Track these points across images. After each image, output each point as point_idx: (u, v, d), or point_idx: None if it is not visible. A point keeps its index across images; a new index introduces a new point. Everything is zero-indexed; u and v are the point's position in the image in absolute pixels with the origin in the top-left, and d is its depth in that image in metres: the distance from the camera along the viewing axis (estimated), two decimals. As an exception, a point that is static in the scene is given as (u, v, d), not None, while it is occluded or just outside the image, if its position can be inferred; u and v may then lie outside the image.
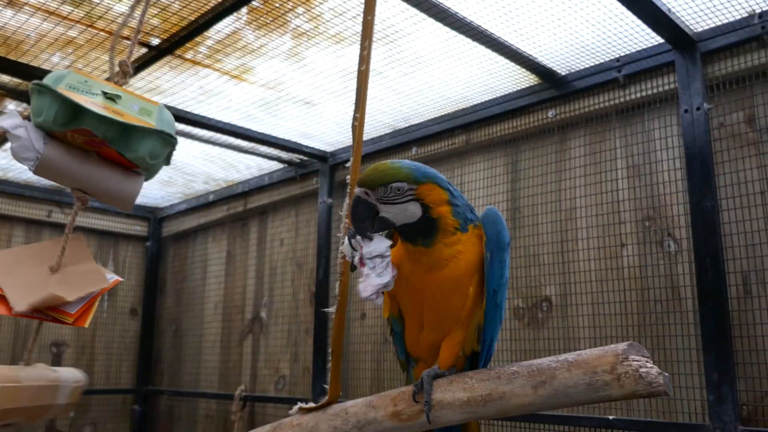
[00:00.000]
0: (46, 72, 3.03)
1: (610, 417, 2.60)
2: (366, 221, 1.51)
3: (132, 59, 3.01)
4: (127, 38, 2.81)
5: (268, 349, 4.46)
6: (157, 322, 5.40)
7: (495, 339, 1.60)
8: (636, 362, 1.25)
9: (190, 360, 5.07)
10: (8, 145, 3.89)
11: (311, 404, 1.56)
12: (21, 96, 3.31)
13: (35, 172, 1.88)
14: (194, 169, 4.55)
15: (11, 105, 3.46)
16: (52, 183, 4.76)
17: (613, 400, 1.29)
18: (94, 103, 1.82)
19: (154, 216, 5.47)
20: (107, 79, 2.06)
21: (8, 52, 2.89)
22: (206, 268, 5.12)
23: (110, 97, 1.87)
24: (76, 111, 1.82)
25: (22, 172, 4.54)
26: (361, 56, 1.66)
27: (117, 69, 2.11)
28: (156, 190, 5.03)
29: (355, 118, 1.65)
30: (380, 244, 1.48)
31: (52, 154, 1.82)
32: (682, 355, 2.56)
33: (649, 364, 1.25)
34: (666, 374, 1.25)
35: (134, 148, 1.90)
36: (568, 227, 3.00)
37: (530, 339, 3.05)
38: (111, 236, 5.29)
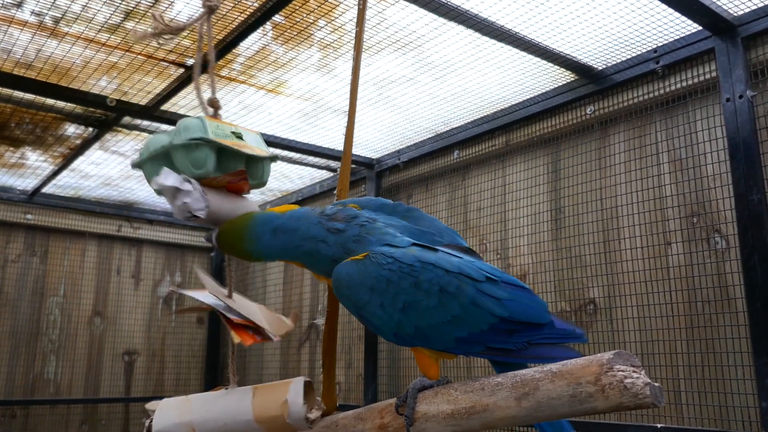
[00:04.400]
0: (97, 96, 3.21)
1: (658, 425, 2.48)
2: None
3: (172, 80, 3.16)
4: (164, 60, 2.94)
5: (323, 355, 4.50)
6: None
7: (468, 338, 1.40)
8: (621, 372, 1.18)
9: (254, 367, 5.20)
10: (86, 168, 4.11)
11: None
12: (77, 119, 3.51)
13: (202, 222, 1.89)
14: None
15: (71, 128, 3.66)
16: (121, 198, 5.05)
17: (600, 413, 1.22)
18: (240, 145, 1.91)
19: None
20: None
21: (59, 79, 3.07)
22: (266, 277, 5.24)
23: (239, 136, 1.96)
24: (225, 155, 1.89)
25: (92, 190, 4.80)
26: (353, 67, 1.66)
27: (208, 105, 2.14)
28: (217, 202, 5.18)
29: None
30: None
31: (212, 200, 1.84)
32: (734, 359, 2.41)
33: (635, 375, 1.18)
34: (656, 384, 1.17)
35: (260, 176, 2.01)
36: (611, 226, 2.88)
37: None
38: (178, 248, 5.51)
